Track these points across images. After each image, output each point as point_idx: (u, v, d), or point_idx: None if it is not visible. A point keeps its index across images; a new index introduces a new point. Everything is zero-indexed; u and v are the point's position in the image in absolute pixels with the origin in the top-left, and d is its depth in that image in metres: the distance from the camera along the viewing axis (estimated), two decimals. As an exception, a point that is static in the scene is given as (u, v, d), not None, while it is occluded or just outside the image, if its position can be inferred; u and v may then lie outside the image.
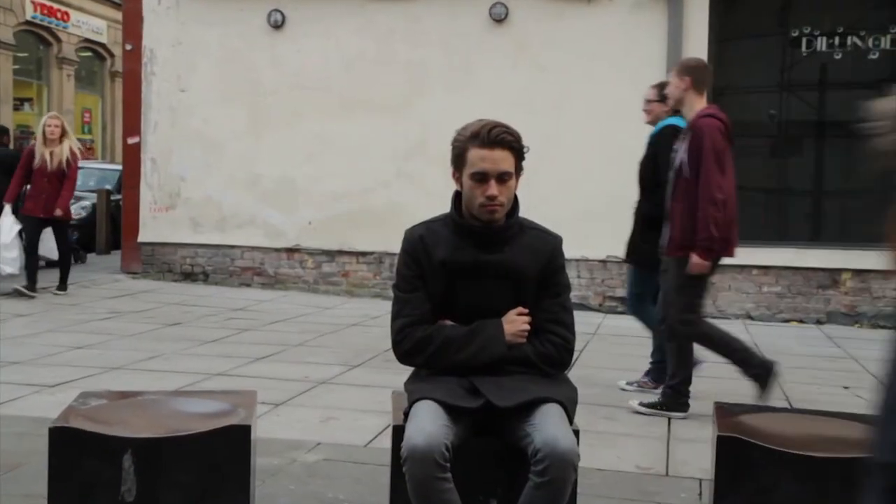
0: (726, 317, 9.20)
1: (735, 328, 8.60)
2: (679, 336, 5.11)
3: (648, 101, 5.76)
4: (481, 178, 2.81)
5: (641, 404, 5.23)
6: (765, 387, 5.06)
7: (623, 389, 5.73)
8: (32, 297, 8.87)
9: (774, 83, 9.86)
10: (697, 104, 5.10)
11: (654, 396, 5.35)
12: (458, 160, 2.87)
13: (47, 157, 8.92)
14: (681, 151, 5.04)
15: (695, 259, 4.91)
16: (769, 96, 9.90)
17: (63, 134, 9.01)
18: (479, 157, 2.81)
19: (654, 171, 5.55)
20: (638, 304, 5.85)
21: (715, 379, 6.25)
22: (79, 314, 8.25)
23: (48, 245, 12.18)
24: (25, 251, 9.17)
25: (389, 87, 10.06)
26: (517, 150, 2.83)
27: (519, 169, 2.86)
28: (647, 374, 5.78)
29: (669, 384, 5.20)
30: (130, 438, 2.71)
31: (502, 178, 2.81)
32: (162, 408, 3.07)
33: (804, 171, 9.89)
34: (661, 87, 5.60)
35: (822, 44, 9.45)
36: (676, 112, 5.42)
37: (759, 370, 5.08)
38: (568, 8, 9.66)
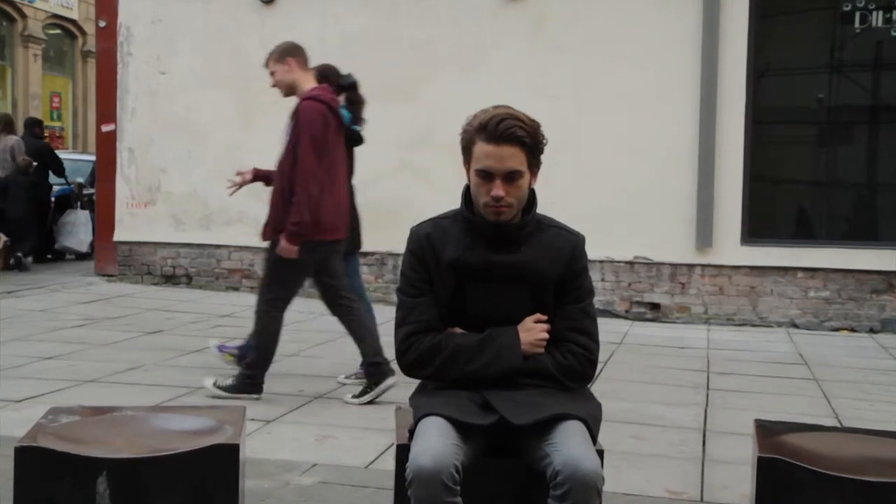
0: (768, 324, 9.20)
1: (778, 337, 8.63)
2: (262, 315, 5.67)
3: None
4: (486, 176, 2.82)
5: (354, 396, 5.66)
6: (234, 391, 5.56)
7: (341, 384, 6.13)
8: None
9: (823, 63, 9.83)
10: (306, 85, 5.63)
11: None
12: (466, 152, 2.88)
13: None
14: (285, 134, 5.51)
15: (283, 243, 5.41)
16: (817, 78, 9.87)
17: None
18: (484, 154, 2.81)
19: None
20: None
21: (757, 394, 6.25)
22: (48, 321, 8.28)
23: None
24: None
25: (393, 70, 10.06)
26: (529, 146, 2.82)
27: (534, 165, 2.86)
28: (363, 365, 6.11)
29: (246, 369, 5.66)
30: (105, 459, 2.72)
31: (510, 177, 2.81)
32: (140, 425, 3.08)
33: (856, 161, 9.86)
34: (318, 70, 6.06)
35: (877, 19, 9.42)
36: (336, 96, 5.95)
37: (252, 380, 5.59)
38: (591, -19, 9.66)
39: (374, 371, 5.68)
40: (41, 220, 12.40)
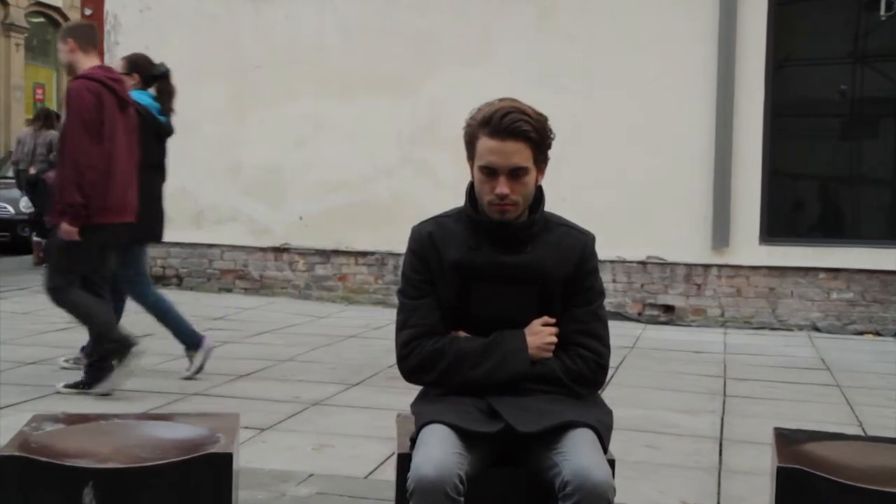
0: (788, 328, 9.20)
1: (798, 341, 8.63)
2: (59, 303, 5.80)
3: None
4: (490, 172, 2.81)
5: (66, 385, 5.78)
6: (121, 361, 5.71)
7: (63, 368, 6.37)
8: None
9: (846, 53, 9.83)
10: (86, 65, 5.79)
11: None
12: (469, 148, 2.88)
13: None
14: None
15: (63, 226, 5.56)
16: (840, 68, 9.87)
17: None
18: (487, 149, 2.81)
19: None
20: (134, 286, 6.51)
21: (776, 401, 6.25)
22: (32, 324, 8.29)
23: None
24: None
25: (394, 62, 10.08)
26: (536, 142, 2.82)
27: (540, 161, 2.86)
28: (83, 349, 6.19)
29: (91, 361, 5.81)
30: (92, 469, 2.72)
31: (515, 173, 2.80)
32: (129, 433, 3.09)
33: (881, 156, 9.85)
34: (129, 59, 6.46)
35: (904, 6, 9.42)
36: (146, 85, 6.37)
37: (117, 344, 5.73)
38: (602, -34, 9.66)
39: (94, 370, 5.76)
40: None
